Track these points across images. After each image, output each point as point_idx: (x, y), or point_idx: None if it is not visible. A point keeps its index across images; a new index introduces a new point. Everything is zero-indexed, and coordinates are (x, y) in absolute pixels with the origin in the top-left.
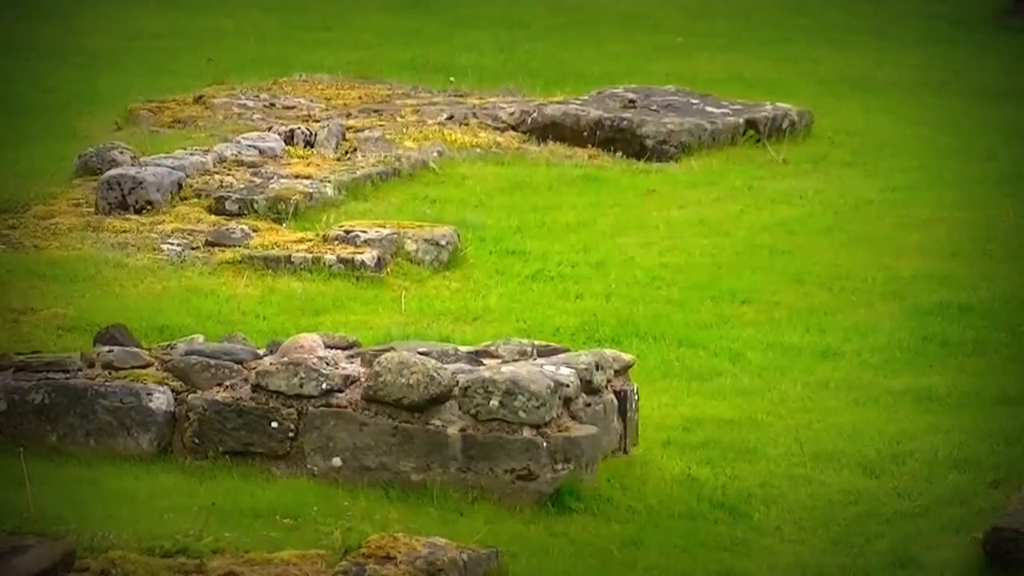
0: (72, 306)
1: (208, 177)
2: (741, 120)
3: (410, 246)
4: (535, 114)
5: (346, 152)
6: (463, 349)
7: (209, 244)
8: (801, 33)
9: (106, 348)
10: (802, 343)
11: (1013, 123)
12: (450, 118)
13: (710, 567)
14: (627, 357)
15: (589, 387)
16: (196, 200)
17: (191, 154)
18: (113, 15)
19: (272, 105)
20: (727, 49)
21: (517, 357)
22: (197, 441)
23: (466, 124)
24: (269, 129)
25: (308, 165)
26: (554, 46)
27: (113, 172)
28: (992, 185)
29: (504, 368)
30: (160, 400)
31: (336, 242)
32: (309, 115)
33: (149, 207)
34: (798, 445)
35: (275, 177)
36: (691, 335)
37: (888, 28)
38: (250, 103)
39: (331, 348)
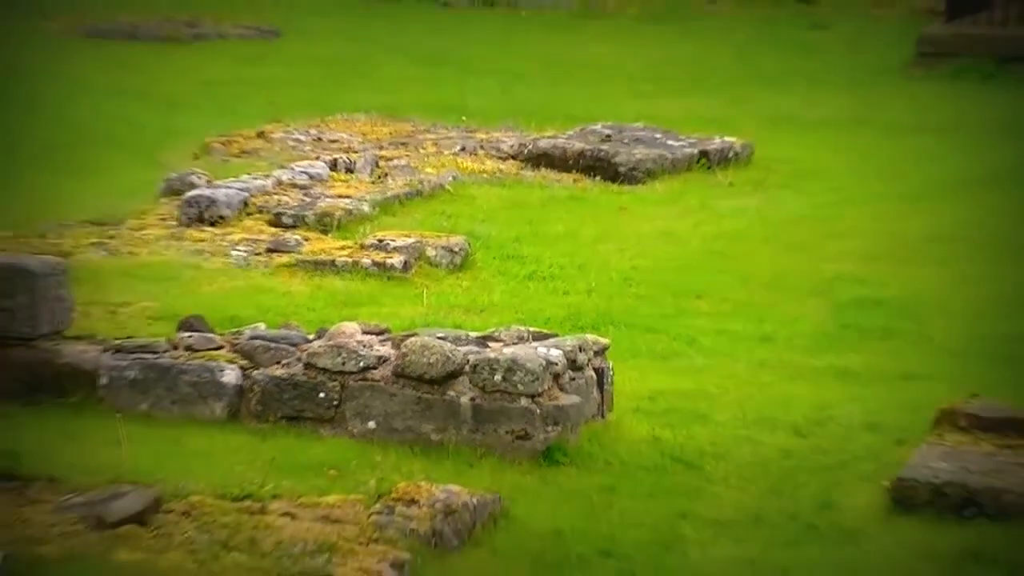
0: (159, 301)
1: (268, 197)
2: (696, 151)
3: (430, 252)
4: (530, 146)
5: (379, 176)
6: (473, 334)
7: (269, 251)
8: (745, 80)
9: (187, 334)
10: (745, 330)
11: (917, 152)
12: (462, 149)
13: (671, 509)
14: (604, 341)
15: (574, 365)
16: (259, 215)
17: (255, 178)
18: (191, 66)
19: (319, 139)
20: (685, 94)
21: (516, 341)
22: (260, 408)
23: (475, 154)
24: (317, 158)
25: (348, 187)
26: (546, 91)
27: (192, 193)
28: (900, 202)
29: (505, 350)
30: (230, 375)
31: (371, 249)
32: (349, 147)
33: (221, 221)
34: (741, 412)
35: (322, 196)
36: (655, 324)
37: (817, 75)
38: (302, 137)
39: (367, 334)
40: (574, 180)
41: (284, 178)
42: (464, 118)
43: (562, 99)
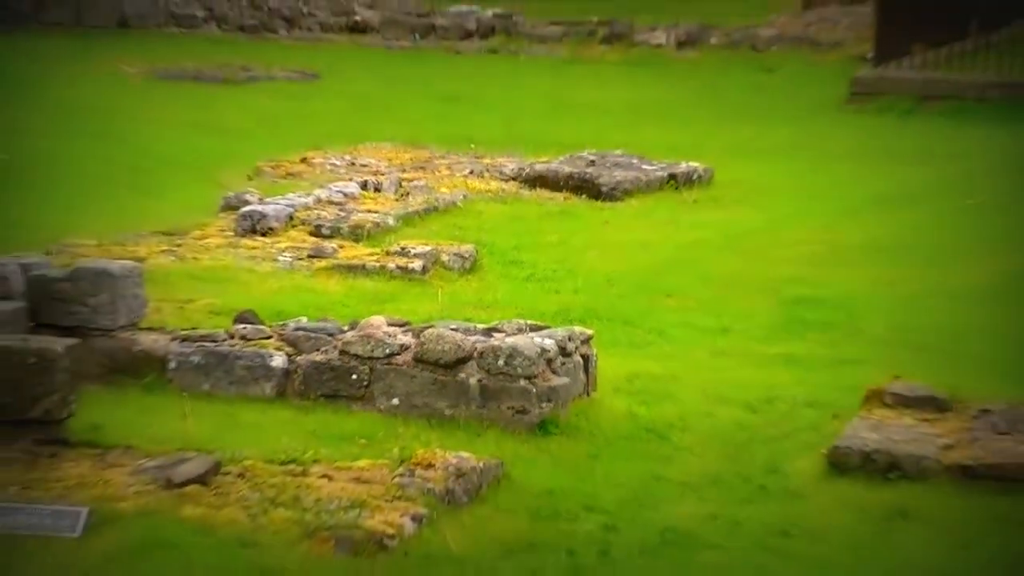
0: (219, 298)
1: (310, 211)
2: (665, 174)
3: (444, 258)
4: (528, 169)
5: (402, 195)
6: (480, 326)
7: (310, 256)
8: (708, 115)
9: (242, 325)
10: (707, 323)
11: (850, 174)
12: (471, 172)
13: (644, 472)
14: (589, 332)
15: (564, 352)
16: (302, 227)
17: (299, 196)
18: (245, 102)
19: (352, 163)
20: (657, 126)
21: (516, 332)
22: (303, 388)
23: (482, 176)
24: (350, 180)
25: (376, 203)
26: (541, 124)
27: (246, 208)
28: (836, 216)
29: (507, 339)
30: (278, 360)
31: (395, 255)
32: (377, 170)
33: (270, 231)
34: (703, 391)
35: (354, 211)
36: (632, 318)
37: (766, 111)
38: (337, 162)
39: (392, 326)
40: (564, 198)
41: (323, 196)
42: (473, 146)
43: (554, 130)
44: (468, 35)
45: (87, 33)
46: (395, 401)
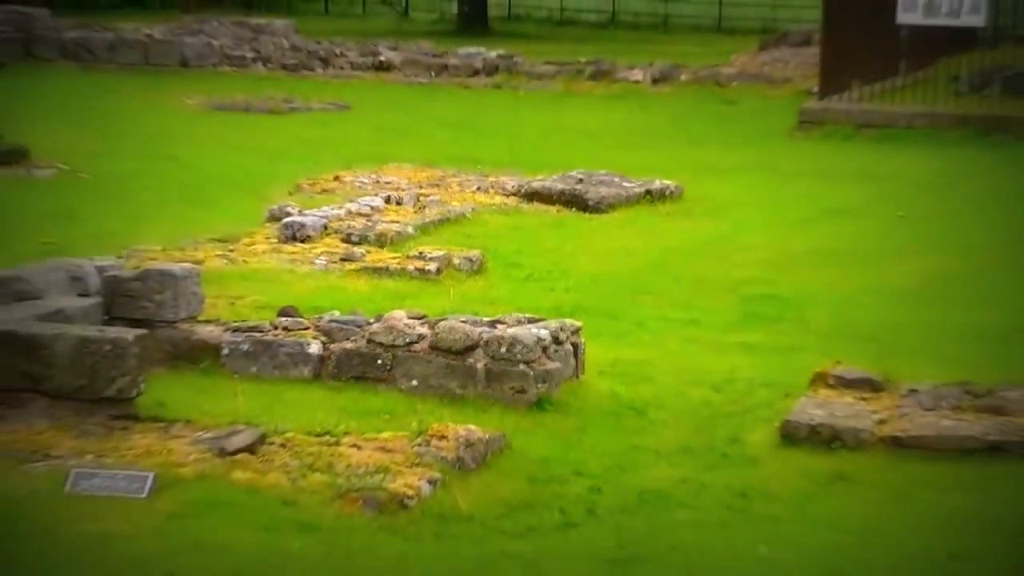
0: (264, 295)
1: (342, 222)
2: (643, 190)
3: (456, 261)
4: (526, 186)
5: (419, 208)
6: (485, 319)
7: (342, 260)
8: (679, 139)
9: (284, 318)
10: (678, 316)
11: (799, 190)
12: (478, 188)
13: (625, 443)
14: (578, 324)
15: (557, 340)
16: (335, 235)
17: (332, 209)
18: (287, 129)
19: (377, 181)
20: (636, 149)
21: (516, 324)
22: (336, 371)
23: (487, 192)
24: (376, 195)
25: (398, 215)
26: (537, 147)
27: (288, 219)
28: (788, 226)
29: (508, 330)
30: (315, 348)
31: (414, 259)
32: (398, 187)
33: (308, 239)
34: (675, 374)
35: (379, 222)
36: (616, 312)
37: (728, 137)
38: (365, 180)
39: (411, 318)
40: (557, 210)
41: (353, 209)
42: (479, 166)
43: (549, 153)
44: (476, 73)
45: (154, 71)
46: (414, 382)
